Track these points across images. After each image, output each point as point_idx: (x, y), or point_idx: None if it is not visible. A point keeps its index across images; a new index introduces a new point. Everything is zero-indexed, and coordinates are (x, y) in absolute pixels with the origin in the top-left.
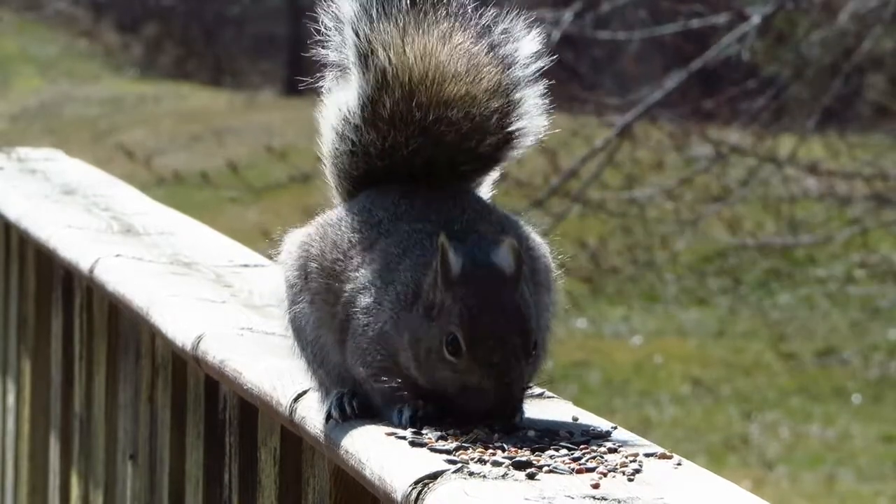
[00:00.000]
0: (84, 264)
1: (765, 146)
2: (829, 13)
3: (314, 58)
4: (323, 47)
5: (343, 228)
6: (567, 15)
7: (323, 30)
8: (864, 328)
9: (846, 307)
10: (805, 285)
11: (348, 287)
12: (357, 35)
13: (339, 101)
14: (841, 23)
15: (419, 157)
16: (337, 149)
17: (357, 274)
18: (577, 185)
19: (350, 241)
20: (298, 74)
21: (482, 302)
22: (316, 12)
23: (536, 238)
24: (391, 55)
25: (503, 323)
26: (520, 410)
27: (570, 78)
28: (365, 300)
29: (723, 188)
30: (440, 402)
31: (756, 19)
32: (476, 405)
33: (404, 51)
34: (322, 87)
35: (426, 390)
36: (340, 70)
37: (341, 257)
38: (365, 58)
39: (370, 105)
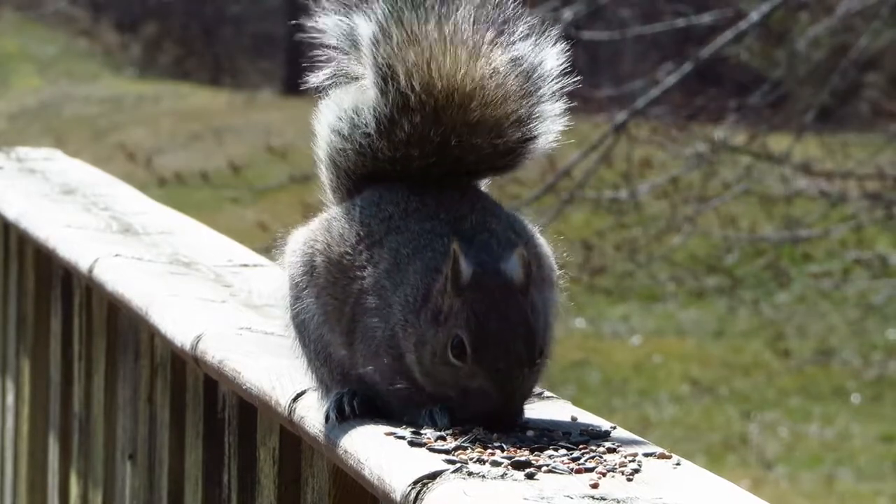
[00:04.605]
0: (83, 264)
1: (759, 144)
2: (826, 10)
3: (315, 59)
4: (329, 58)
5: (350, 221)
6: (566, 14)
7: (336, 43)
8: (862, 328)
9: (843, 306)
10: (802, 284)
11: (356, 286)
12: (376, 57)
13: (345, 104)
14: (837, 19)
15: (434, 169)
16: (341, 149)
17: (366, 273)
18: (572, 183)
19: (358, 235)
20: (297, 74)
21: (490, 308)
22: (318, 19)
23: (540, 237)
24: (414, 82)
25: (509, 330)
26: (520, 418)
27: (567, 73)
28: (374, 301)
29: (721, 185)
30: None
31: (754, 17)
32: (478, 409)
33: (429, 72)
34: (322, 86)
35: (432, 393)
36: (346, 78)
37: (349, 251)
38: (385, 80)
39: (387, 123)
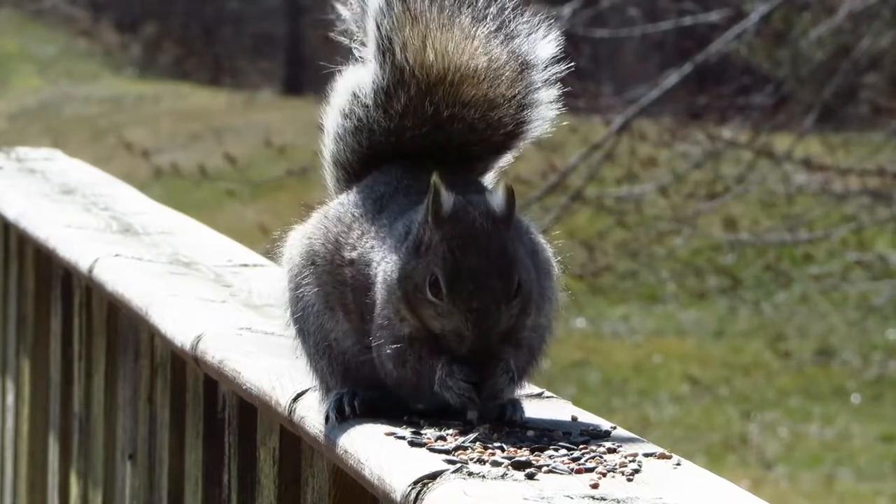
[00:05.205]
0: (83, 264)
1: (761, 143)
2: (827, 11)
3: (333, 20)
4: (345, 29)
5: (346, 205)
6: (566, 10)
7: (351, 9)
8: (862, 328)
9: (843, 306)
10: (803, 285)
11: (355, 253)
12: (379, 29)
13: (351, 83)
14: (839, 20)
15: (427, 140)
16: (339, 133)
17: (359, 245)
18: (574, 182)
19: (352, 215)
20: (297, 74)
21: (467, 243)
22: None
23: (538, 235)
24: (409, 55)
25: (486, 265)
26: (500, 359)
27: (568, 74)
28: (368, 271)
29: (721, 185)
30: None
31: (755, 17)
32: (455, 348)
33: (424, 49)
34: (329, 83)
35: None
36: (356, 43)
37: (345, 230)
38: (383, 53)
39: (384, 95)
